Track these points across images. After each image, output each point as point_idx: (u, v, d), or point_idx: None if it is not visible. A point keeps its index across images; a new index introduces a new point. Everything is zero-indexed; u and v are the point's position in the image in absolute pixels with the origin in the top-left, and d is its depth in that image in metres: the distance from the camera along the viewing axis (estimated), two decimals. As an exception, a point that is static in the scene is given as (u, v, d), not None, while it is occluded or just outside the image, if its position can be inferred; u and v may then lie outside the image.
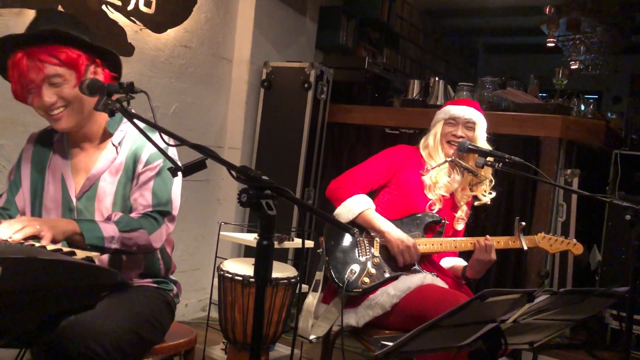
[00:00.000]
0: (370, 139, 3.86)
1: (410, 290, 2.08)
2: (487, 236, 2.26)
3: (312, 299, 2.21)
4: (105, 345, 1.41)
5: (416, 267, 2.21)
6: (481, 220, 3.45)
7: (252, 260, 2.72)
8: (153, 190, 1.67)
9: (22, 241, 1.34)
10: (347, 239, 2.21)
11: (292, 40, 4.16)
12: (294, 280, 2.57)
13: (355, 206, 2.22)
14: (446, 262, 2.40)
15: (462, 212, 2.40)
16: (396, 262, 2.20)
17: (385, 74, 4.32)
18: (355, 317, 2.12)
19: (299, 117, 3.70)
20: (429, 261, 2.30)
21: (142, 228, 1.59)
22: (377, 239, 2.24)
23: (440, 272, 2.28)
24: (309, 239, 3.23)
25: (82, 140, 1.73)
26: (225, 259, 2.78)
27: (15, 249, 1.15)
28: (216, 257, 2.92)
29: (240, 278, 2.48)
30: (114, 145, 1.71)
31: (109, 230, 1.53)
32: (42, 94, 1.58)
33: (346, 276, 2.12)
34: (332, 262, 2.15)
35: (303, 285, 2.90)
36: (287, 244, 2.87)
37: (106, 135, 1.73)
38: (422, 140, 2.47)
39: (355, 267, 2.15)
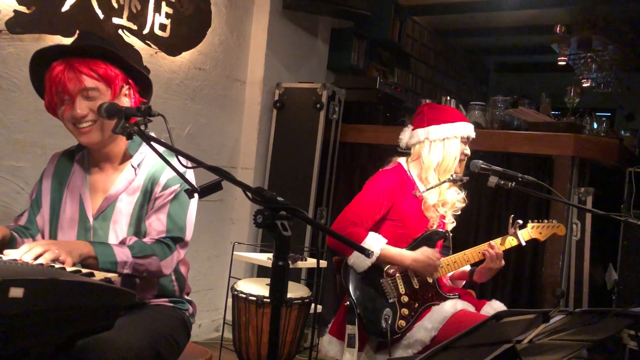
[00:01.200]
0: (382, 158, 3.82)
1: (446, 319, 2.06)
2: (491, 243, 2.25)
3: (350, 357, 2.10)
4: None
5: (441, 292, 2.20)
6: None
7: (266, 280, 2.75)
8: (169, 215, 1.69)
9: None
10: (372, 285, 2.15)
11: (304, 61, 4.21)
12: (307, 300, 2.57)
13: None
14: None
15: (449, 216, 2.37)
16: (423, 292, 2.19)
17: (396, 93, 4.35)
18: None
19: (311, 137, 3.73)
20: (445, 281, 2.30)
21: (155, 255, 1.62)
22: (397, 274, 2.20)
23: (460, 292, 2.28)
24: (322, 258, 3.23)
25: (102, 160, 1.76)
26: (239, 279, 2.79)
27: (36, 271, 1.17)
28: (230, 277, 2.93)
29: (254, 298, 2.49)
30: (133, 166, 1.75)
31: (122, 255, 1.56)
32: (75, 105, 1.63)
33: (382, 324, 2.08)
34: (364, 314, 2.10)
35: (315, 305, 2.90)
36: (300, 264, 2.87)
37: (126, 156, 1.76)
38: (425, 153, 2.29)
39: (388, 312, 2.11)
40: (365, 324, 2.09)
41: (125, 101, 1.71)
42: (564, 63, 5.30)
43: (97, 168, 1.78)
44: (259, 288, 2.57)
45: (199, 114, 3.53)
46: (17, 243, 1.67)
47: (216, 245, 3.74)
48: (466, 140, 2.35)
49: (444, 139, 2.29)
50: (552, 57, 6.02)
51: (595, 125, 3.68)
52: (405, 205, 2.26)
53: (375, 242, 2.13)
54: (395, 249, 2.18)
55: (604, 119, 3.84)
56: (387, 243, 2.19)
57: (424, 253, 2.17)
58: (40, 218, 1.77)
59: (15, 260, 1.34)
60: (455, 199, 2.32)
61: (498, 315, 1.14)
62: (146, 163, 1.75)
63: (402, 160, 2.38)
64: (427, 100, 4.08)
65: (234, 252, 2.93)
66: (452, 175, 2.27)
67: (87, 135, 1.66)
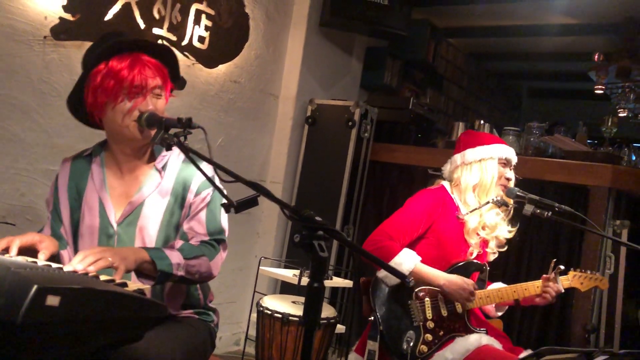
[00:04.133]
0: (412, 179, 3.83)
1: (469, 352, 2.02)
2: (550, 286, 2.20)
3: None
4: None
5: (468, 325, 2.16)
6: (524, 268, 3.37)
7: (292, 297, 2.72)
8: (207, 218, 1.69)
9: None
10: (400, 305, 2.14)
11: (337, 78, 4.21)
12: (332, 320, 2.53)
13: (402, 266, 2.09)
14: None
15: (493, 245, 2.33)
16: (450, 321, 2.15)
17: (428, 114, 4.32)
18: None
19: (342, 155, 3.72)
20: (474, 315, 2.24)
21: (204, 255, 1.62)
22: (427, 299, 2.17)
23: (489, 327, 2.22)
24: (347, 278, 3.19)
25: (129, 163, 1.71)
26: (264, 294, 2.76)
27: (72, 279, 1.17)
28: (255, 291, 2.91)
29: (279, 315, 2.46)
30: (157, 169, 1.71)
31: (175, 257, 1.55)
32: (147, 101, 1.62)
33: (404, 346, 2.06)
34: (387, 332, 2.08)
35: (339, 326, 2.85)
36: (325, 283, 2.84)
37: (152, 159, 1.74)
38: (463, 176, 2.28)
39: (411, 335, 2.08)
40: (387, 341, 2.06)
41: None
42: (601, 92, 5.20)
43: (119, 171, 1.72)
44: (284, 305, 2.55)
45: (232, 127, 3.55)
46: (60, 257, 1.64)
47: (241, 258, 3.73)
48: (505, 163, 2.31)
49: (480, 160, 2.29)
50: (587, 85, 5.91)
51: (633, 157, 3.59)
52: (444, 227, 2.23)
53: (409, 258, 2.11)
54: (430, 268, 2.15)
55: (643, 150, 3.74)
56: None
57: (459, 277, 2.14)
58: (64, 230, 1.71)
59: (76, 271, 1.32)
60: (497, 222, 2.27)
61: (540, 353, 1.10)
62: (171, 166, 1.72)
63: (446, 183, 2.37)
64: (461, 125, 4.04)
65: (260, 267, 2.91)
66: (495, 198, 2.23)
67: (141, 132, 1.62)
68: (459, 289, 2.11)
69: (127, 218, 1.66)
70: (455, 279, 2.13)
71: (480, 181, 2.25)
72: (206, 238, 1.67)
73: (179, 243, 1.62)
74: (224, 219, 1.74)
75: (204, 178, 1.56)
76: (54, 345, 1.02)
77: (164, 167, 1.71)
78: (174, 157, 1.73)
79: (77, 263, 1.35)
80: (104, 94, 1.60)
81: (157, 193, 1.68)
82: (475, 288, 2.15)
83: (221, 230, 1.72)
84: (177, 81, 1.76)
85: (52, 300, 0.98)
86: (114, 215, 1.67)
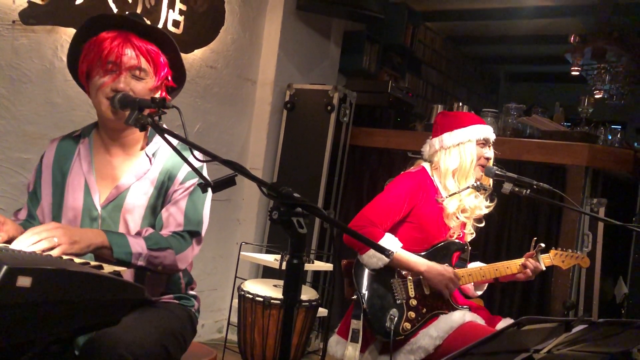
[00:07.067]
0: (392, 163, 3.84)
1: (453, 330, 2.02)
2: (529, 261, 2.22)
3: (352, 351, 2.09)
4: (137, 355, 1.37)
5: (452, 302, 2.17)
6: (504, 248, 3.40)
7: (273, 281, 2.71)
8: (186, 208, 1.64)
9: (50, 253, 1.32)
10: (382, 284, 2.14)
11: (315, 63, 4.18)
12: (315, 303, 2.53)
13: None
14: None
15: (470, 226, 2.33)
16: (433, 299, 2.15)
17: (407, 98, 4.31)
18: None
19: (321, 139, 3.70)
20: (457, 292, 2.25)
21: (170, 248, 1.57)
22: (409, 277, 2.17)
23: (471, 303, 2.24)
24: (329, 261, 3.19)
25: (117, 145, 1.68)
26: (245, 280, 2.75)
27: (44, 260, 1.14)
28: (236, 277, 2.90)
29: (261, 299, 2.45)
30: (147, 155, 1.68)
31: (138, 246, 1.51)
32: (120, 79, 1.57)
33: (387, 324, 2.06)
34: (370, 310, 2.08)
35: (321, 309, 2.85)
36: (307, 266, 2.84)
37: (143, 144, 1.70)
38: (442, 161, 2.27)
39: (394, 313, 2.08)
40: (370, 319, 2.06)
41: (156, 95, 1.66)
42: (577, 73, 5.26)
43: (107, 154, 1.69)
44: (265, 289, 2.53)
45: (209, 113, 3.51)
46: None
47: (222, 246, 3.71)
48: (484, 143, 2.29)
49: (458, 144, 2.26)
50: (563, 68, 5.97)
51: (609, 137, 3.63)
52: (425, 210, 2.22)
53: (391, 245, 2.11)
54: (412, 254, 2.15)
55: (618, 130, 3.79)
56: (403, 246, 2.16)
57: (440, 265, 2.15)
58: (40, 211, 1.68)
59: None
60: (475, 205, 2.26)
61: (520, 322, 1.10)
62: (161, 154, 1.69)
63: (426, 165, 2.35)
64: (439, 107, 4.05)
65: (241, 253, 2.89)
66: (474, 183, 2.22)
67: (116, 114, 1.58)
68: (438, 275, 2.11)
69: (112, 202, 1.63)
70: (436, 266, 2.14)
71: (460, 165, 2.24)
72: (180, 229, 1.62)
73: (148, 231, 1.58)
74: (205, 211, 1.69)
75: (190, 169, 1.53)
76: (26, 327, 0.99)
77: (154, 154, 1.68)
78: (165, 145, 1.68)
79: (23, 240, 1.32)
80: (85, 64, 1.60)
81: (144, 180, 1.65)
82: (455, 276, 2.14)
83: (199, 222, 1.66)
84: (178, 71, 1.72)
85: (23, 282, 0.95)
86: (99, 198, 1.64)
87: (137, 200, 1.64)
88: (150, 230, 1.59)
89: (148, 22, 1.71)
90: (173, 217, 1.63)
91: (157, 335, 1.50)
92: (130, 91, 1.58)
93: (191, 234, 1.63)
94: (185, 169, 1.66)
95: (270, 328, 2.43)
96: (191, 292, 1.84)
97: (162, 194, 1.66)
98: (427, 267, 2.13)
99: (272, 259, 2.84)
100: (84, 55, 1.61)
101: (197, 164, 1.41)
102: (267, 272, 3.59)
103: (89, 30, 1.62)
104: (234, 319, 2.67)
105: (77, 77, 1.69)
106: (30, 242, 1.33)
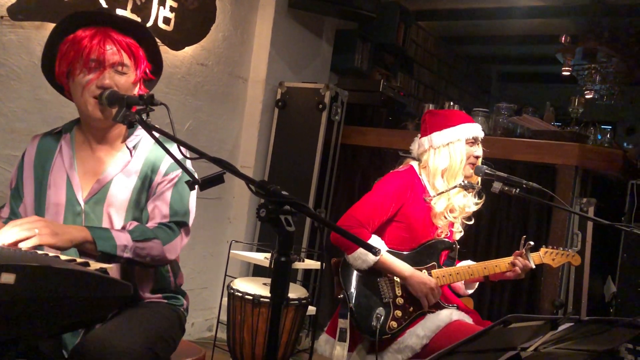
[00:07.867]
0: (383, 162, 3.84)
1: (440, 329, 2.02)
2: (518, 259, 2.22)
3: (340, 350, 2.09)
4: None
5: (439, 301, 2.16)
6: (494, 247, 3.41)
7: (263, 279, 2.70)
8: (172, 199, 1.64)
9: (35, 250, 1.31)
10: (369, 283, 2.13)
11: (307, 61, 4.17)
12: (304, 301, 2.53)
13: (369, 256, 2.08)
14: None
15: (458, 225, 2.33)
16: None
17: (399, 97, 4.32)
18: None
19: (313, 138, 3.69)
20: (445, 293, 2.25)
21: (157, 238, 1.56)
22: (396, 277, 2.16)
23: (460, 302, 2.24)
24: (319, 260, 3.19)
25: (100, 140, 1.68)
26: (235, 278, 2.74)
27: (29, 257, 1.13)
28: (226, 275, 2.89)
29: (250, 297, 2.45)
30: (128, 148, 1.68)
31: (122, 239, 1.50)
32: (105, 75, 1.57)
33: (373, 323, 2.05)
34: (356, 309, 2.08)
35: (311, 307, 2.85)
36: (297, 265, 2.84)
37: (124, 138, 1.70)
38: (431, 160, 2.25)
39: (381, 312, 2.07)
40: (357, 318, 2.06)
41: (136, 88, 1.67)
42: (567, 73, 5.28)
43: (89, 149, 1.69)
44: (255, 287, 2.53)
45: (200, 110, 3.49)
46: None
47: (212, 244, 3.70)
48: (473, 141, 2.27)
49: (447, 144, 2.25)
50: (555, 68, 6.00)
51: (599, 137, 3.65)
52: (413, 209, 2.21)
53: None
54: (396, 259, 2.14)
55: (608, 130, 3.82)
56: (392, 245, 2.17)
57: (422, 279, 2.12)
58: (23, 208, 1.66)
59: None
60: (464, 204, 2.25)
61: (507, 320, 1.10)
62: (143, 146, 1.69)
63: (414, 163, 2.34)
64: (431, 106, 4.05)
65: (231, 251, 2.88)
66: (462, 182, 2.22)
67: (101, 110, 1.58)
68: (420, 284, 2.10)
69: (94, 196, 1.63)
70: (420, 274, 2.13)
71: (450, 165, 2.22)
72: (166, 220, 1.62)
73: (132, 224, 1.58)
74: (191, 201, 1.69)
75: (173, 161, 1.52)
76: (10, 324, 0.99)
77: (135, 147, 1.68)
78: (146, 138, 1.69)
79: (5, 233, 1.31)
80: (65, 64, 1.59)
81: (125, 173, 1.64)
82: (437, 288, 2.13)
83: (185, 212, 1.66)
84: (156, 63, 1.72)
85: (7, 278, 0.94)
86: (81, 193, 1.63)
87: (120, 194, 1.63)
88: (135, 224, 1.59)
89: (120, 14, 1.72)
90: (158, 209, 1.63)
91: (145, 339, 1.49)
92: (115, 86, 1.58)
93: (178, 224, 1.63)
94: (168, 161, 1.66)
95: (260, 326, 2.42)
96: (180, 289, 1.83)
97: (145, 187, 1.66)
98: (411, 273, 2.12)
99: (262, 258, 2.84)
100: (62, 55, 1.60)
101: (180, 157, 1.41)
102: (258, 271, 3.58)
103: (65, 30, 1.61)
104: (224, 317, 2.67)
105: (52, 79, 1.68)
106: (11, 233, 1.32)
